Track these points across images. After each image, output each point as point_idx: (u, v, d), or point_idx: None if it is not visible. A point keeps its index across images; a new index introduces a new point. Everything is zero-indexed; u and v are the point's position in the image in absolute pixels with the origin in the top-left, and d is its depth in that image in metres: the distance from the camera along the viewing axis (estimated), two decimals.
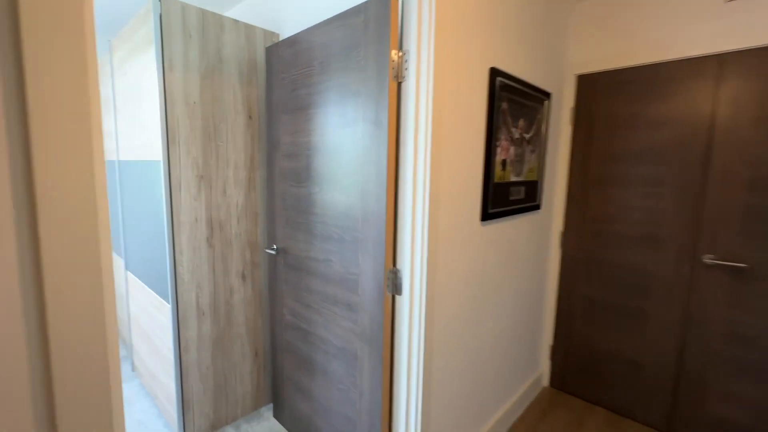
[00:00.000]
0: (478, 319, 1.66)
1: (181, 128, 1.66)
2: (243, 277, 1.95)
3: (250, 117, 1.89)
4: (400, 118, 1.30)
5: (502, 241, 1.76)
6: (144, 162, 1.87)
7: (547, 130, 2.04)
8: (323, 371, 1.66)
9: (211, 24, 1.71)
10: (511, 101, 1.64)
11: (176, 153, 1.66)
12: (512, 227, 1.83)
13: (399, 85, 1.29)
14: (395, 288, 1.36)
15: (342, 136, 1.45)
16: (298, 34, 1.61)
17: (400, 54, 1.27)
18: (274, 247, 1.87)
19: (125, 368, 2.52)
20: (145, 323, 2.11)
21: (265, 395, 2.13)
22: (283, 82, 1.72)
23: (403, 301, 1.35)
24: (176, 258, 1.70)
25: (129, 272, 2.32)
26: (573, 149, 2.22)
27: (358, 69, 1.35)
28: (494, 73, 1.51)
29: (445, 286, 1.42)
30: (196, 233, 1.75)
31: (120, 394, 0.47)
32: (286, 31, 1.97)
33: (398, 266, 1.36)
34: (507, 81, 1.59)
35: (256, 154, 1.93)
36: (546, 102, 1.96)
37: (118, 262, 2.52)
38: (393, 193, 1.32)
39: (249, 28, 1.83)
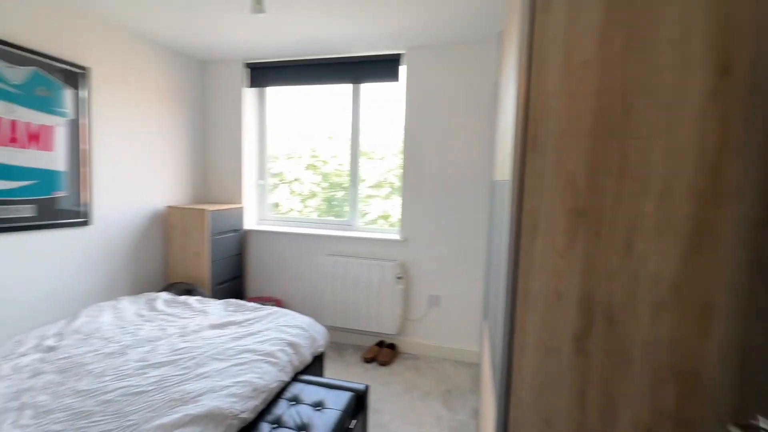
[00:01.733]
0: None
1: (551, 117, 0.86)
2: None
3: (723, 71, 0.76)
4: None
5: None
6: (500, 183, 1.24)
7: None
8: None
9: None
10: None
11: (535, 165, 0.88)
12: None
13: None
14: None
15: None
16: None
17: None
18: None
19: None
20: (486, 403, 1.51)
21: None
22: None
23: None
24: (513, 360, 0.93)
25: (485, 322, 1.82)
26: None
27: None
28: None
29: None
30: (555, 321, 0.90)
31: None
32: None
33: None
34: None
35: (726, 163, 0.78)
36: None
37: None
38: None
39: None
